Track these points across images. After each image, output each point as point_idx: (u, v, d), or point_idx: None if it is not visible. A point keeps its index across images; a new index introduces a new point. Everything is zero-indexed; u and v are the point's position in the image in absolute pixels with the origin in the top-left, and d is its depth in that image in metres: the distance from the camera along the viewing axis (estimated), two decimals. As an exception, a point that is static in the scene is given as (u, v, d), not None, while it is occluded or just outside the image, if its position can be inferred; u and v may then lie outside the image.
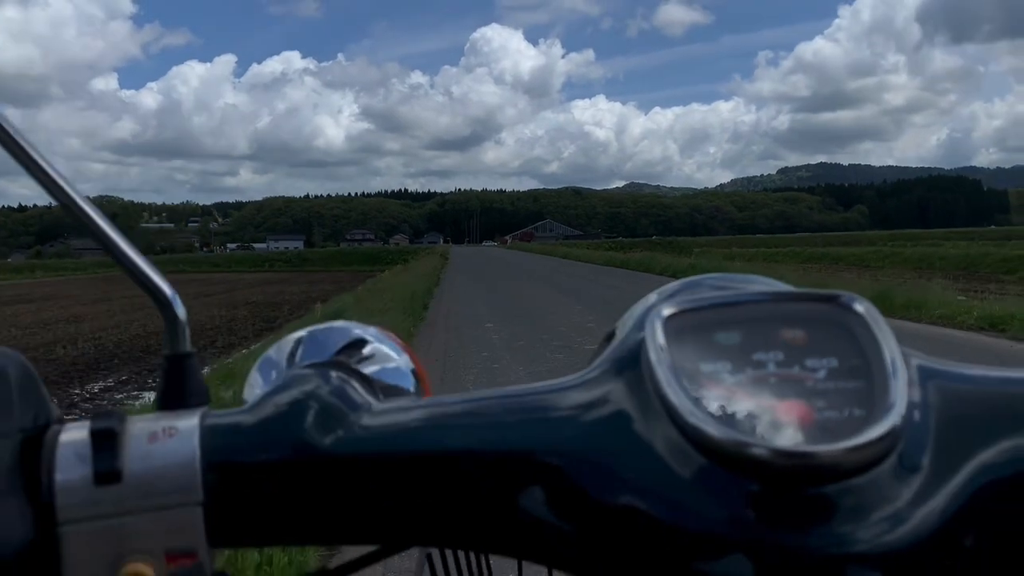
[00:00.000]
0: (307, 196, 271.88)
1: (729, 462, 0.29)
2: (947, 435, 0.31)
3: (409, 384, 0.44)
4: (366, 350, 0.44)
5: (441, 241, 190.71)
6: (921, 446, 0.30)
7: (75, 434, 0.33)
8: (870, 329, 0.32)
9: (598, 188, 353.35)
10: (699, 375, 0.32)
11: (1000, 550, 0.30)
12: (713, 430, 0.29)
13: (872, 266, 31.88)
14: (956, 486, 0.30)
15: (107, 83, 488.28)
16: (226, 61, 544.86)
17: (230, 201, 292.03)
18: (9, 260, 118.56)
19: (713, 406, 0.30)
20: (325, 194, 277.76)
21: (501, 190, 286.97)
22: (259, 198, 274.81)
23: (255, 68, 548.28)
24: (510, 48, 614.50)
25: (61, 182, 0.36)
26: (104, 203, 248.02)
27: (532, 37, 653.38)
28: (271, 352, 0.46)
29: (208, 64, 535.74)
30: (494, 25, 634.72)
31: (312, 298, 20.80)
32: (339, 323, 0.46)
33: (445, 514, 0.33)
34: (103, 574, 0.31)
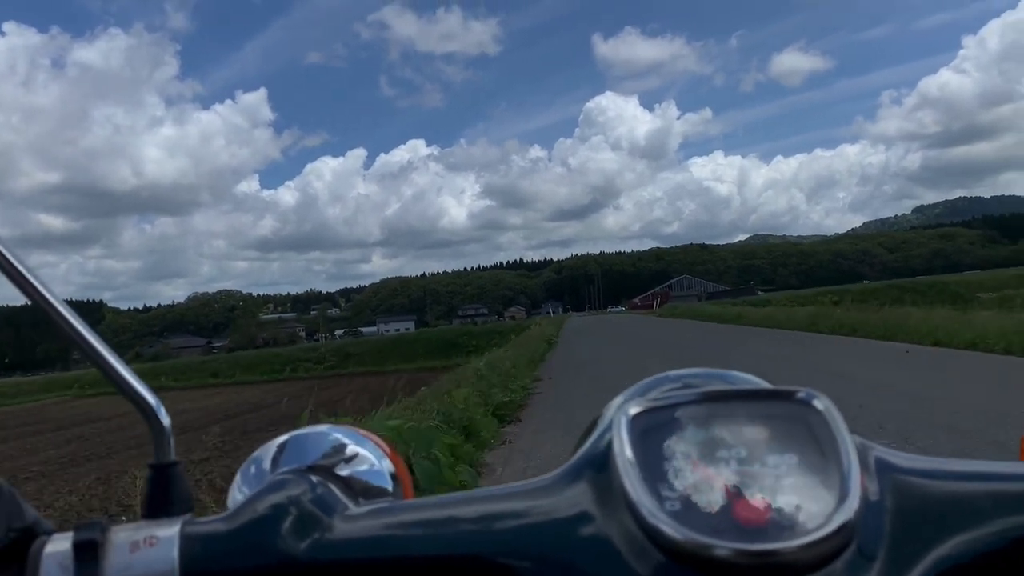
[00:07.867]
0: (423, 275, 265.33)
1: (688, 561, 0.29)
2: (903, 529, 0.31)
3: (388, 486, 0.44)
4: (347, 453, 0.44)
5: (561, 310, 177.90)
6: (877, 539, 0.31)
7: (59, 545, 0.33)
8: (828, 425, 0.33)
9: (721, 243, 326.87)
10: (663, 473, 0.32)
11: None
12: (672, 530, 0.29)
13: None
14: None
15: (249, 185, 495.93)
16: (357, 155, 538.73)
17: (353, 286, 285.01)
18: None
19: (675, 505, 0.30)
20: (440, 271, 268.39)
21: (620, 252, 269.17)
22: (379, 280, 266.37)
23: (383, 158, 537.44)
24: (625, 115, 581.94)
25: (41, 289, 0.35)
26: (223, 297, 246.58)
27: (647, 102, 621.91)
28: (256, 455, 0.45)
29: (340, 158, 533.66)
30: (608, 93, 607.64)
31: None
32: (322, 427, 0.46)
33: None
34: None
